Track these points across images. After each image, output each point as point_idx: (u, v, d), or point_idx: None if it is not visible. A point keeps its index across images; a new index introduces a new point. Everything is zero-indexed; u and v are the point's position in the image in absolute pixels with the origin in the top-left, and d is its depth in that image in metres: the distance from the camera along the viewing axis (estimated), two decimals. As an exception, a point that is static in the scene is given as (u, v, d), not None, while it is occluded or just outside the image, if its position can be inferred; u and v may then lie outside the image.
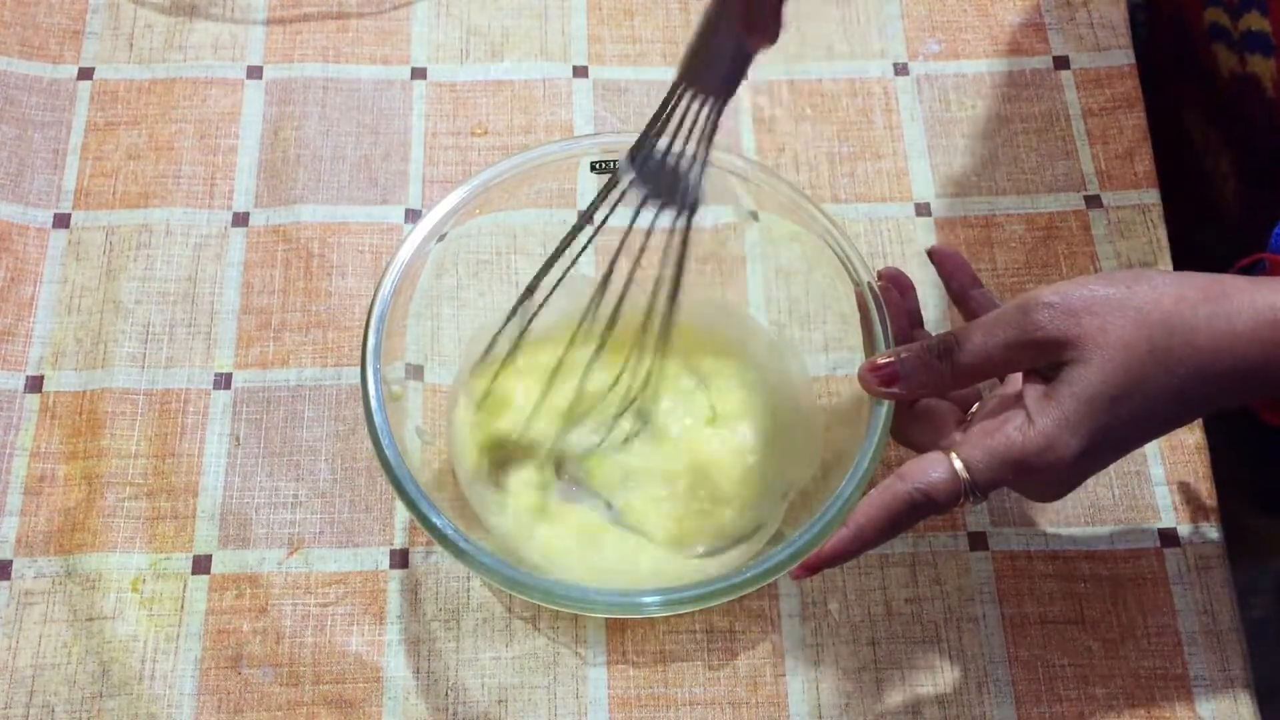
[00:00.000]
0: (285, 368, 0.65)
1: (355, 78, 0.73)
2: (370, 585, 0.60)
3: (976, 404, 0.54)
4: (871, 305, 0.54)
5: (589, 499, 0.58)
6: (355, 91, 0.72)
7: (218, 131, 0.71)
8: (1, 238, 0.67)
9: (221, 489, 0.62)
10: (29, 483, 0.62)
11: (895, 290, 0.56)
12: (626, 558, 0.57)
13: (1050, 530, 0.61)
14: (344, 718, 0.57)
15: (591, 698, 0.58)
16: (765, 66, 0.68)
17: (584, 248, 0.53)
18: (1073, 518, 0.61)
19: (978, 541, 0.61)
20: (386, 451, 0.51)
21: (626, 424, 0.59)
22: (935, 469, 0.49)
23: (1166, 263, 0.68)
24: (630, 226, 0.51)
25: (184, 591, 0.59)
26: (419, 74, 0.73)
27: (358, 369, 0.63)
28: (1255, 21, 0.65)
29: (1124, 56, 0.74)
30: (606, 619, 0.59)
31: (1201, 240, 0.75)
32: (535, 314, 0.56)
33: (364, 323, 0.54)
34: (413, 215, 0.69)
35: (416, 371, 0.61)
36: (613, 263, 0.53)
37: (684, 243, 0.51)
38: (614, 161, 0.59)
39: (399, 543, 0.61)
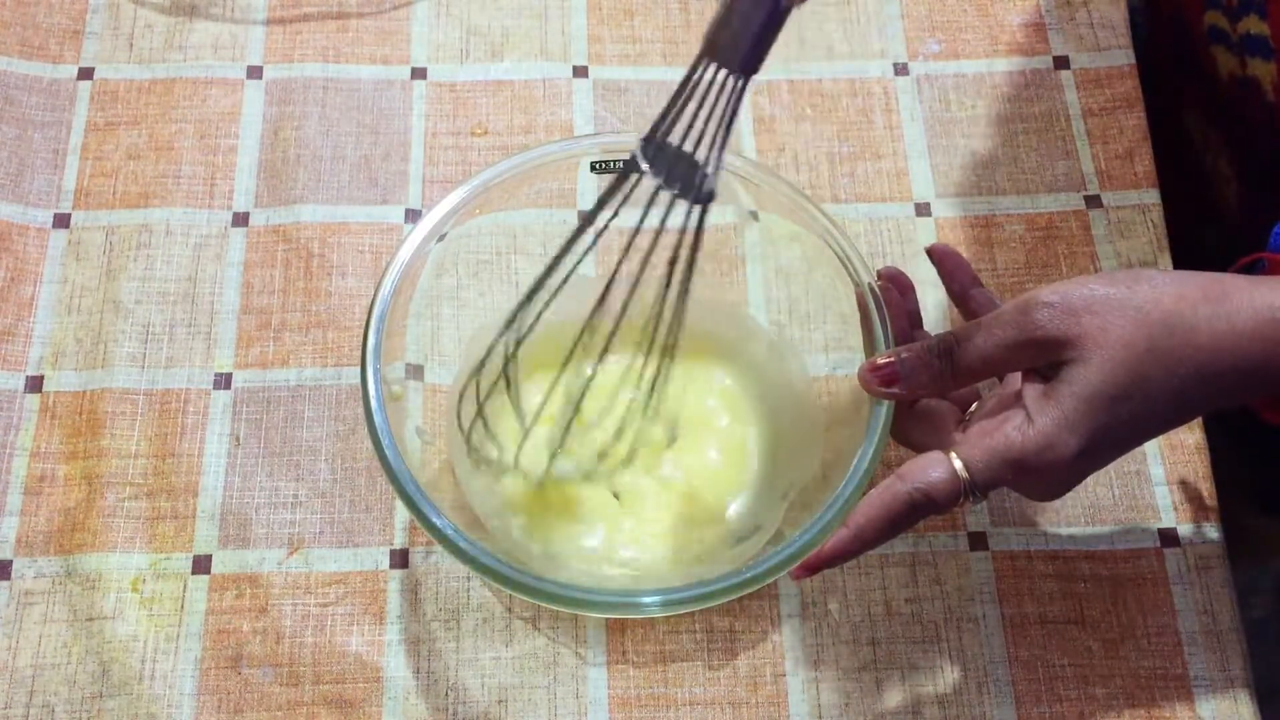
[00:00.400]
0: (285, 368, 0.65)
1: (355, 78, 0.73)
2: (370, 585, 0.60)
3: (976, 404, 0.54)
4: (871, 305, 0.54)
5: (590, 492, 0.58)
6: (355, 91, 0.72)
7: (218, 131, 0.71)
8: (1, 238, 0.67)
9: (221, 489, 0.62)
10: (29, 483, 0.62)
11: (895, 290, 0.56)
12: (627, 560, 0.58)
13: (1050, 530, 0.61)
14: (344, 718, 0.57)
15: (591, 698, 0.58)
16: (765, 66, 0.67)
17: (592, 244, 0.52)
18: (1073, 518, 0.61)
19: (978, 541, 0.61)
20: (386, 451, 0.51)
21: (630, 421, 0.59)
22: (935, 469, 0.49)
23: (1166, 263, 0.68)
24: (639, 225, 0.50)
25: (184, 591, 0.59)
26: (419, 74, 0.73)
27: (358, 369, 0.63)
28: (1254, 25, 0.65)
29: (1124, 56, 0.74)
30: (606, 619, 0.59)
31: (1201, 240, 0.75)
32: (541, 313, 0.55)
33: (364, 323, 0.54)
34: (413, 215, 0.69)
35: (416, 371, 0.61)
36: (619, 262, 0.52)
37: (697, 234, 0.50)
38: (614, 161, 0.59)
39: (399, 543, 0.61)
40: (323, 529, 0.61)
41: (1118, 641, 0.59)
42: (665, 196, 0.48)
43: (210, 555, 0.60)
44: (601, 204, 0.50)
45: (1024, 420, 0.48)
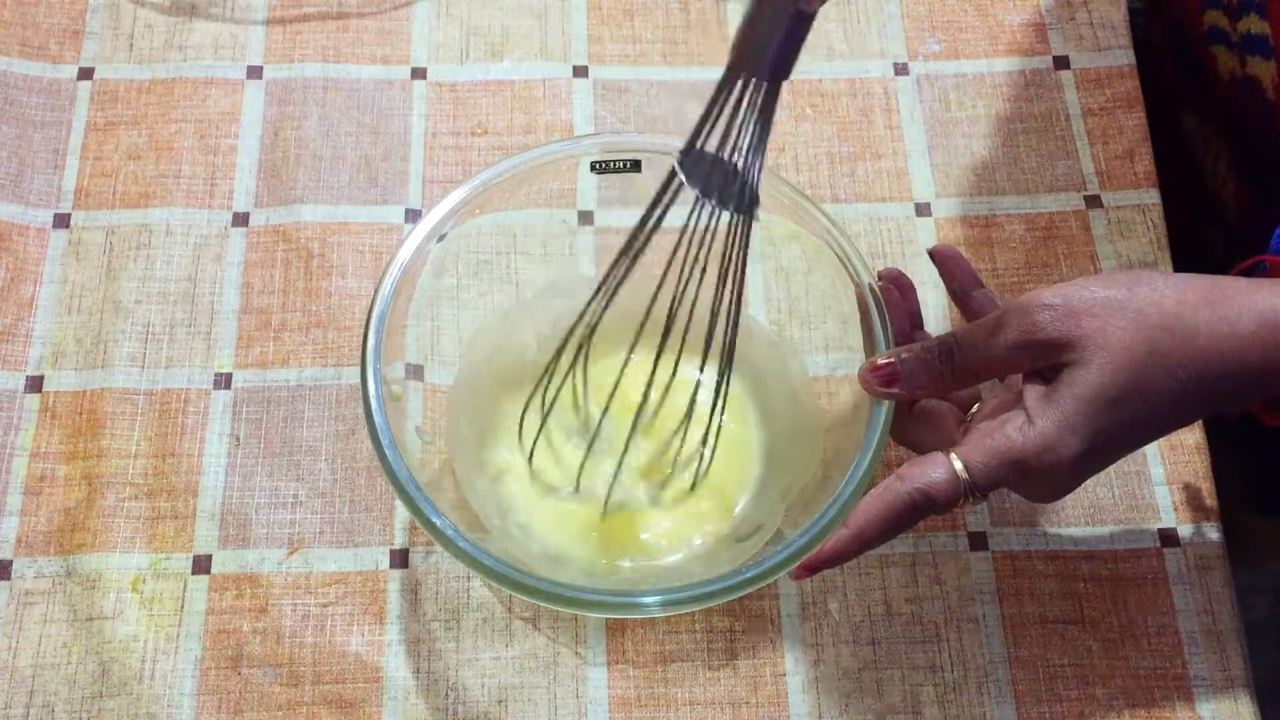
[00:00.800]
0: (285, 368, 0.65)
1: (355, 78, 0.73)
2: (370, 585, 0.60)
3: (976, 405, 0.54)
4: (871, 305, 0.54)
5: (590, 490, 0.59)
6: (355, 91, 0.72)
7: (218, 131, 0.71)
8: (1, 238, 0.67)
9: (221, 489, 0.62)
10: (29, 483, 0.62)
11: (895, 290, 0.56)
12: (627, 560, 0.58)
13: (1050, 530, 0.61)
14: (344, 718, 0.57)
15: (591, 698, 0.58)
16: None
17: (638, 253, 0.51)
18: (1073, 518, 0.61)
19: (978, 541, 0.61)
20: (386, 451, 0.51)
21: (635, 425, 0.59)
22: (935, 469, 0.49)
23: (1166, 263, 0.68)
24: (685, 227, 0.50)
25: (184, 591, 0.59)
26: (419, 74, 0.73)
27: (358, 369, 0.63)
28: (1255, 24, 0.65)
29: (1124, 56, 0.74)
30: (606, 619, 0.59)
31: (1201, 240, 0.75)
32: (597, 324, 0.55)
33: (364, 323, 0.54)
34: (413, 215, 0.69)
35: (416, 371, 0.61)
36: (666, 269, 0.52)
37: (745, 243, 0.49)
38: (614, 161, 0.59)
39: (399, 543, 0.61)
40: (323, 529, 0.61)
41: (1118, 641, 0.59)
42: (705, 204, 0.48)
43: (210, 555, 0.60)
44: (646, 219, 0.50)
45: (1025, 422, 0.48)
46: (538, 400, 0.57)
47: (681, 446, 0.58)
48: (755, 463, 0.60)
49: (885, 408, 0.52)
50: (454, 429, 0.60)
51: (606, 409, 0.57)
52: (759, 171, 0.48)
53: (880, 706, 0.57)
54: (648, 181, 0.59)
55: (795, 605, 0.59)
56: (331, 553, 0.60)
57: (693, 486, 0.58)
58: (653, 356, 0.54)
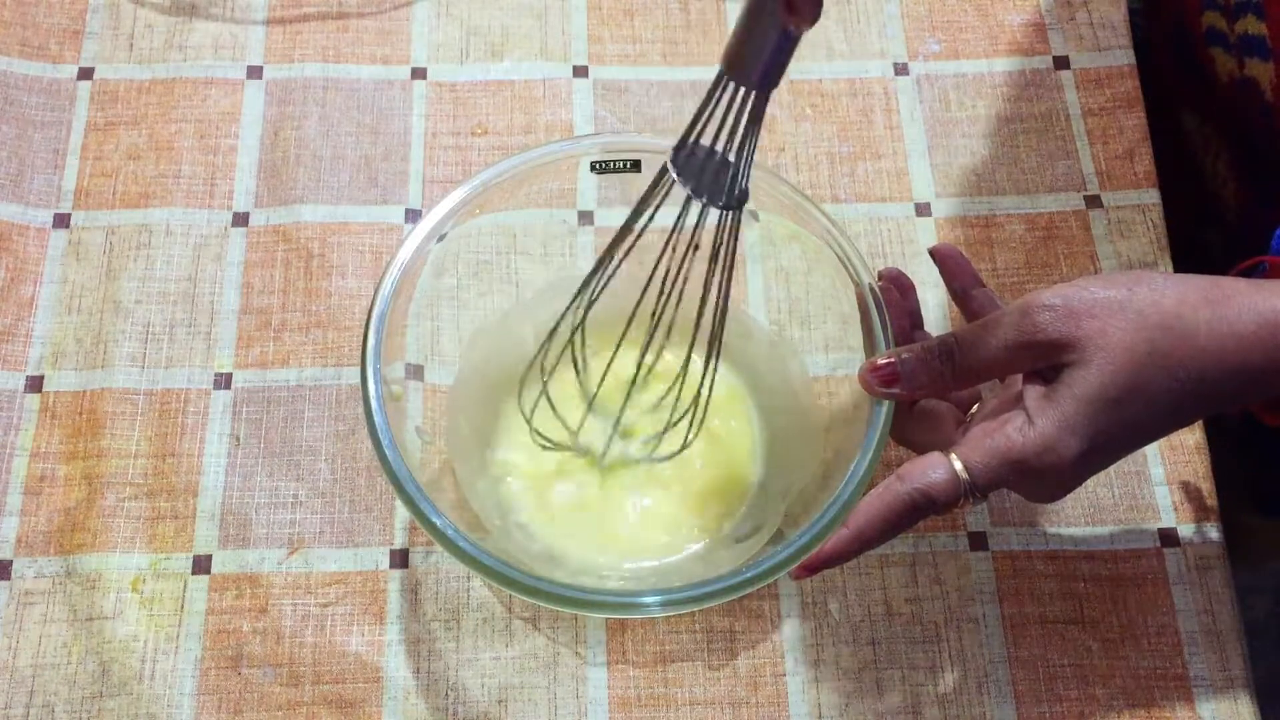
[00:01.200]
0: (285, 368, 0.65)
1: (355, 78, 0.73)
2: (370, 585, 0.60)
3: (976, 405, 0.54)
4: (871, 305, 0.54)
5: (591, 492, 0.59)
6: (355, 91, 0.72)
7: (218, 131, 0.71)
8: (1, 238, 0.67)
9: (221, 489, 0.62)
10: (29, 483, 0.62)
11: (895, 290, 0.56)
12: (628, 560, 0.58)
13: (1050, 530, 0.61)
14: (344, 718, 0.57)
15: (591, 698, 0.58)
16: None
17: (629, 249, 0.53)
18: (1073, 518, 0.61)
19: (978, 541, 0.61)
20: (386, 451, 0.51)
21: (634, 425, 0.59)
22: (935, 469, 0.49)
23: (1166, 263, 0.68)
24: (678, 221, 0.51)
25: (184, 591, 0.59)
26: (419, 74, 0.73)
27: (358, 369, 0.63)
28: (1252, 25, 0.65)
29: (1124, 56, 0.74)
30: (606, 619, 0.59)
31: (1201, 240, 0.75)
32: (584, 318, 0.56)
33: (364, 323, 0.54)
34: (413, 215, 0.69)
35: (416, 371, 0.61)
36: (658, 260, 0.53)
37: (734, 239, 0.51)
38: (614, 161, 0.59)
39: (399, 543, 0.61)
40: (323, 529, 0.61)
41: (1118, 641, 0.59)
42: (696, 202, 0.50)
43: (210, 555, 0.60)
44: (637, 213, 0.51)
45: (1025, 422, 0.48)
46: (537, 377, 0.58)
47: (675, 408, 0.59)
48: (755, 463, 0.60)
49: (885, 408, 0.52)
50: (454, 429, 0.60)
51: (601, 382, 0.58)
52: (748, 171, 0.48)
53: (880, 706, 0.57)
54: (648, 181, 0.59)
55: (795, 605, 0.59)
56: (331, 553, 0.60)
57: (683, 446, 0.59)
58: (644, 340, 0.55)
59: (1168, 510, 0.62)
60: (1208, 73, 0.71)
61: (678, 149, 0.49)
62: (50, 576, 0.60)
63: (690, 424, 0.58)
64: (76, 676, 0.58)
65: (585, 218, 0.66)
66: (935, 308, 0.66)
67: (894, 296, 0.55)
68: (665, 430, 0.58)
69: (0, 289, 0.66)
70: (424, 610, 0.59)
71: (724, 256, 0.51)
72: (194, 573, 0.60)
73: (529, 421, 0.59)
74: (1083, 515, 0.61)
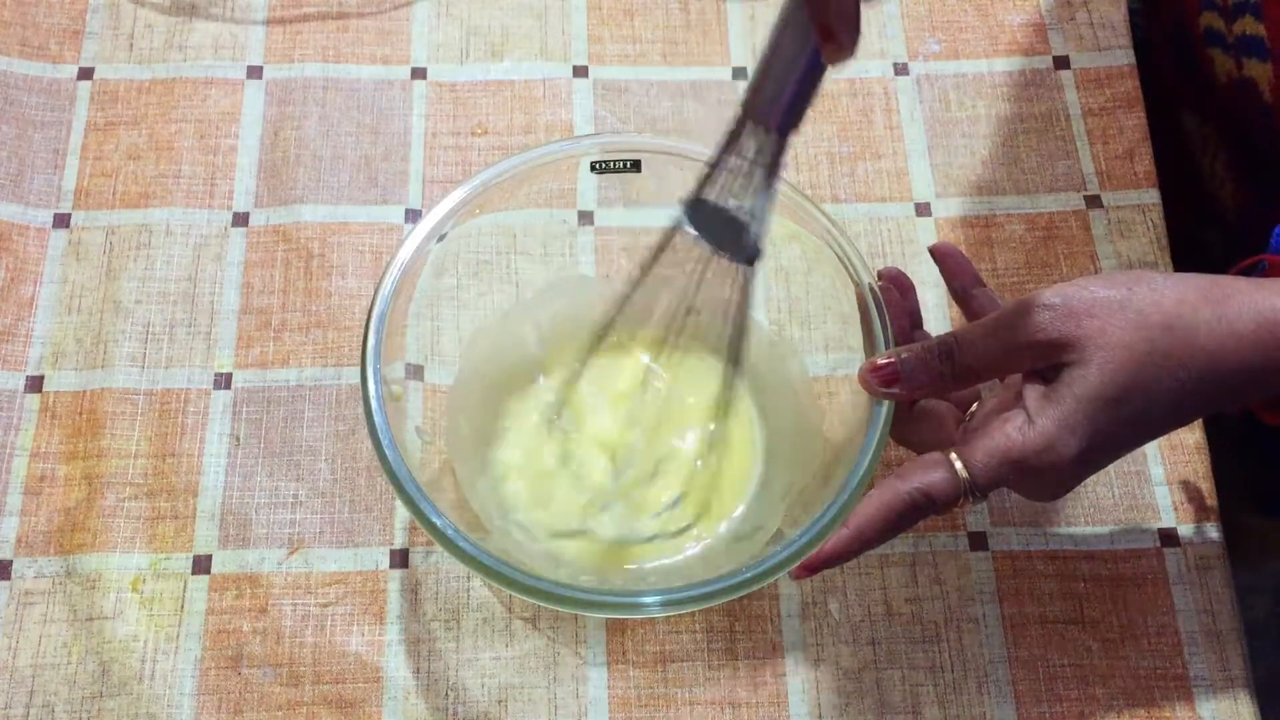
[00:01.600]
0: (285, 368, 0.65)
1: (355, 78, 0.73)
2: (370, 585, 0.60)
3: (976, 404, 0.54)
4: (871, 305, 0.54)
5: (592, 492, 0.59)
6: (355, 91, 0.72)
7: (218, 131, 0.71)
8: (1, 238, 0.67)
9: (221, 489, 0.62)
10: (29, 483, 0.62)
11: (895, 290, 0.56)
12: (628, 560, 0.58)
13: (1050, 530, 0.61)
14: (344, 718, 0.57)
15: (591, 698, 0.58)
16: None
17: (641, 278, 0.53)
18: (1073, 518, 0.61)
19: (978, 541, 0.61)
20: (386, 451, 0.51)
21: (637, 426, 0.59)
22: (935, 469, 0.49)
23: (1166, 263, 0.68)
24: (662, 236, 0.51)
25: (184, 591, 0.59)
26: (419, 74, 0.73)
27: (358, 369, 0.63)
28: (1250, 26, 0.65)
29: (1124, 56, 0.74)
30: (606, 619, 0.59)
31: (1201, 240, 0.75)
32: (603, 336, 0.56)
33: (364, 323, 0.54)
34: (413, 215, 0.69)
35: (416, 371, 0.61)
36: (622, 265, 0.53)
37: (745, 294, 0.50)
38: (614, 161, 0.59)
39: (399, 543, 0.61)
40: (323, 529, 0.61)
41: (1118, 641, 0.59)
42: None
43: (210, 555, 0.60)
44: (653, 261, 0.51)
45: (1025, 421, 0.48)
46: (541, 402, 0.58)
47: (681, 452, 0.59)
48: (755, 463, 0.60)
49: (885, 408, 0.52)
50: (454, 429, 0.60)
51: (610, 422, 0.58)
52: (765, 223, 0.48)
53: (880, 706, 0.57)
54: (648, 181, 0.59)
55: (795, 605, 0.59)
56: (331, 553, 0.60)
57: (684, 495, 0.59)
58: (658, 370, 0.56)
59: (1168, 510, 0.62)
60: (1206, 73, 0.71)
61: (691, 202, 0.48)
62: (50, 576, 0.60)
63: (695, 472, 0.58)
64: (76, 676, 0.58)
65: (585, 218, 0.66)
66: (935, 308, 0.66)
67: (894, 296, 0.55)
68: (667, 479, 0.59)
69: (0, 289, 0.66)
70: (424, 610, 0.59)
71: (737, 306, 0.51)
72: (194, 573, 0.60)
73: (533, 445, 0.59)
74: (1083, 515, 0.61)
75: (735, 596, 0.50)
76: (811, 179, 0.70)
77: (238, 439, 0.63)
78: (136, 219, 0.68)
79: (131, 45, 0.73)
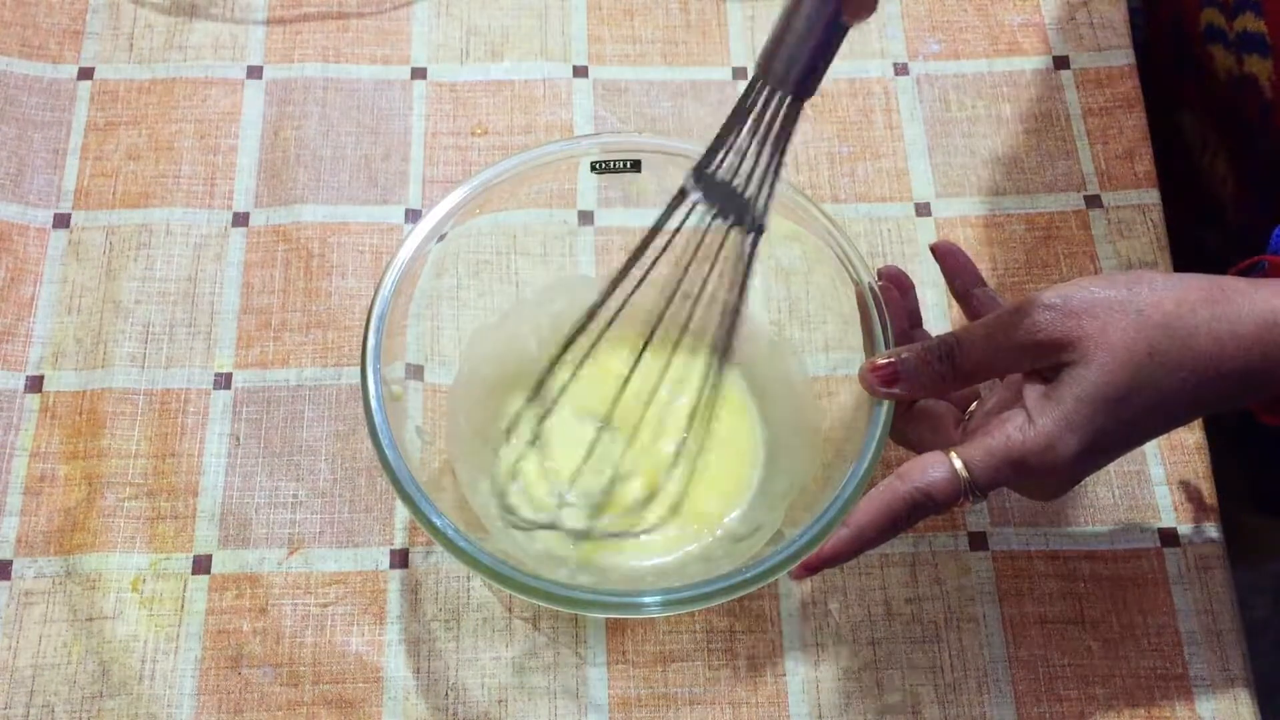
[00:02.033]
0: (285, 368, 0.65)
1: (355, 78, 0.73)
2: (370, 585, 0.60)
3: (975, 404, 0.54)
4: (871, 305, 0.54)
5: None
6: (355, 91, 0.72)
7: (218, 131, 0.71)
8: (1, 238, 0.67)
9: (221, 489, 0.62)
10: (29, 483, 0.62)
11: (895, 290, 0.56)
12: (628, 560, 0.58)
13: (1050, 530, 0.61)
14: (344, 718, 0.57)
15: (591, 698, 0.58)
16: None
17: (652, 264, 0.52)
18: (1073, 518, 0.61)
19: (978, 541, 0.61)
20: (386, 451, 0.51)
21: (637, 425, 0.59)
22: (935, 469, 0.49)
23: (1166, 263, 0.68)
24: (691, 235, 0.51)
25: (184, 591, 0.59)
26: (419, 74, 0.73)
27: (358, 369, 0.63)
28: (1250, 22, 0.65)
29: (1124, 56, 0.74)
30: (606, 619, 0.59)
31: (1201, 240, 0.75)
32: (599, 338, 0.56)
33: (364, 323, 0.54)
34: (413, 215, 0.69)
35: (416, 371, 0.61)
36: (670, 273, 0.52)
37: (749, 262, 0.50)
38: (614, 161, 0.59)
39: (399, 543, 0.61)
40: (323, 529, 0.61)
41: (1118, 641, 0.59)
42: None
43: (210, 555, 0.60)
44: (656, 229, 0.50)
45: (1025, 421, 0.48)
46: (539, 398, 0.58)
47: (674, 447, 0.59)
48: (755, 463, 0.60)
49: (885, 408, 0.52)
50: (454, 429, 0.60)
51: (607, 410, 0.57)
52: (772, 190, 0.47)
53: (880, 706, 0.57)
54: (648, 181, 0.59)
55: (795, 605, 0.59)
56: (331, 553, 0.60)
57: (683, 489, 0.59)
58: (652, 357, 0.55)
59: (1168, 510, 0.62)
60: (1207, 70, 0.71)
61: (699, 166, 0.47)
62: (50, 576, 0.60)
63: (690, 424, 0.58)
64: (76, 676, 0.58)
65: (585, 218, 0.66)
66: (935, 307, 0.66)
67: (894, 296, 0.55)
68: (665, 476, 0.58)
69: (0, 289, 0.66)
70: (424, 610, 0.59)
71: (738, 277, 0.50)
72: (194, 573, 0.60)
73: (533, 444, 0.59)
74: (1083, 515, 0.61)
75: (735, 596, 0.50)
76: (811, 179, 0.70)
77: (238, 439, 0.63)
78: (136, 219, 0.68)
79: (131, 45, 0.73)
